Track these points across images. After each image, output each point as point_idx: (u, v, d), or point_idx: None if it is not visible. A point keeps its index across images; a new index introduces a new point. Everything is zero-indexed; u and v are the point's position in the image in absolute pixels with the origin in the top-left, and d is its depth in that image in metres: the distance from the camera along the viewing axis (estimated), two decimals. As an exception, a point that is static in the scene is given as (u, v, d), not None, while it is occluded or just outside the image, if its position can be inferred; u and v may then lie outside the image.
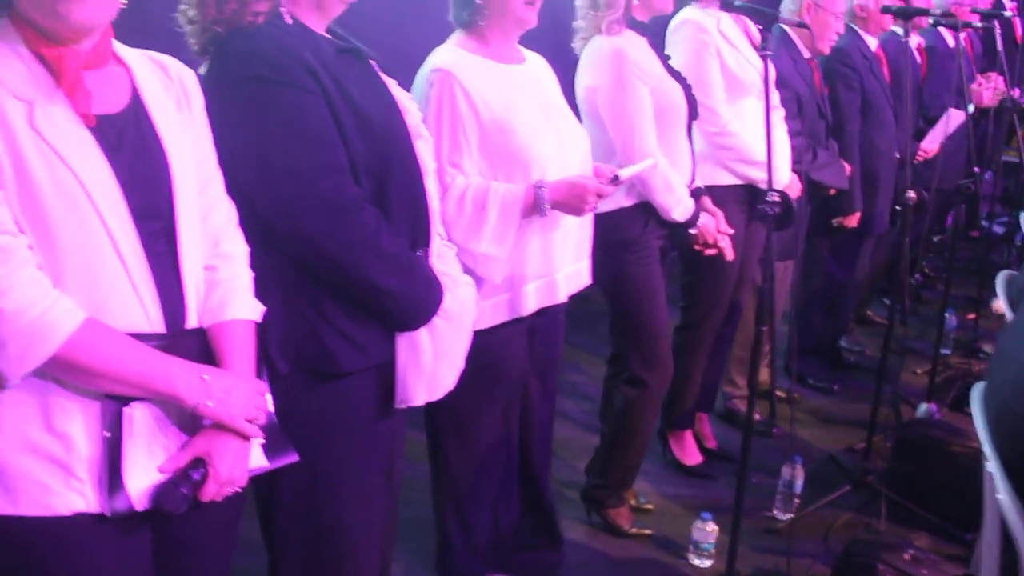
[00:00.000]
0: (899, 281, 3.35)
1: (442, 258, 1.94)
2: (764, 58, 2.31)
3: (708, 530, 2.98)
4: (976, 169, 3.61)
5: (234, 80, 1.67)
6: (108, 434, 1.39)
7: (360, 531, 1.97)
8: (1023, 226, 4.43)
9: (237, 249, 1.63)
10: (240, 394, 1.51)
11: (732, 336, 3.59)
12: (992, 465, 1.70)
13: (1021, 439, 1.66)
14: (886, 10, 3.41)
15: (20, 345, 1.28)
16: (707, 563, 2.99)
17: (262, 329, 1.66)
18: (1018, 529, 1.61)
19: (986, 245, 5.04)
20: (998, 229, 5.75)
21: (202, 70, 1.74)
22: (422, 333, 1.85)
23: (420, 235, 1.87)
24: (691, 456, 3.55)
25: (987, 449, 1.71)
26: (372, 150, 1.75)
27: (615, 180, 2.31)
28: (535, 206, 2.24)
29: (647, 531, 3.15)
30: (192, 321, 1.50)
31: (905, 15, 3.32)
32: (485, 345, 2.38)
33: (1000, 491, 1.66)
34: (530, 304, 2.39)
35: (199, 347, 1.52)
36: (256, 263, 1.70)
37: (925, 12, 3.41)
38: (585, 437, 3.76)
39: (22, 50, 1.35)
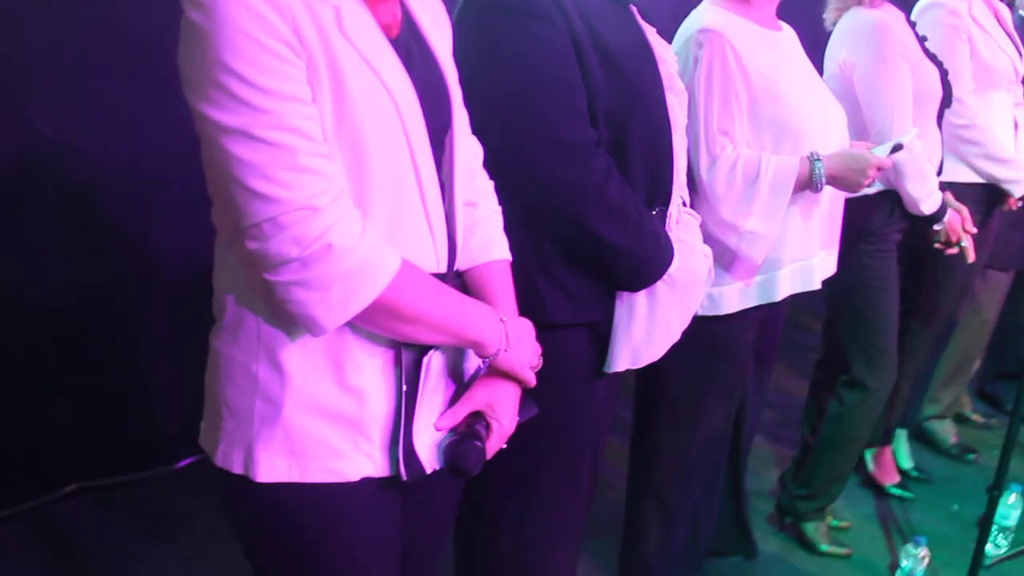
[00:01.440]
0: None
1: (683, 225, 1.80)
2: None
3: (920, 556, 2.74)
4: None
5: (480, 7, 1.57)
6: (407, 387, 1.24)
7: (567, 491, 1.85)
8: None
9: (489, 185, 1.49)
10: (528, 339, 1.38)
11: (942, 350, 3.34)
12: None
13: None
14: None
15: (346, 288, 1.11)
16: (914, 590, 2.76)
17: None
18: None
19: None
20: None
21: None
22: (640, 296, 1.70)
23: (660, 192, 1.72)
24: (888, 475, 3.31)
25: None
26: (616, 95, 1.61)
27: (896, 148, 2.11)
28: (809, 180, 2.06)
29: (844, 550, 2.93)
30: (459, 261, 1.37)
31: None
32: (723, 331, 2.23)
33: None
34: (784, 289, 2.21)
35: (463, 290, 1.38)
36: None
37: None
38: (769, 445, 3.56)
39: None
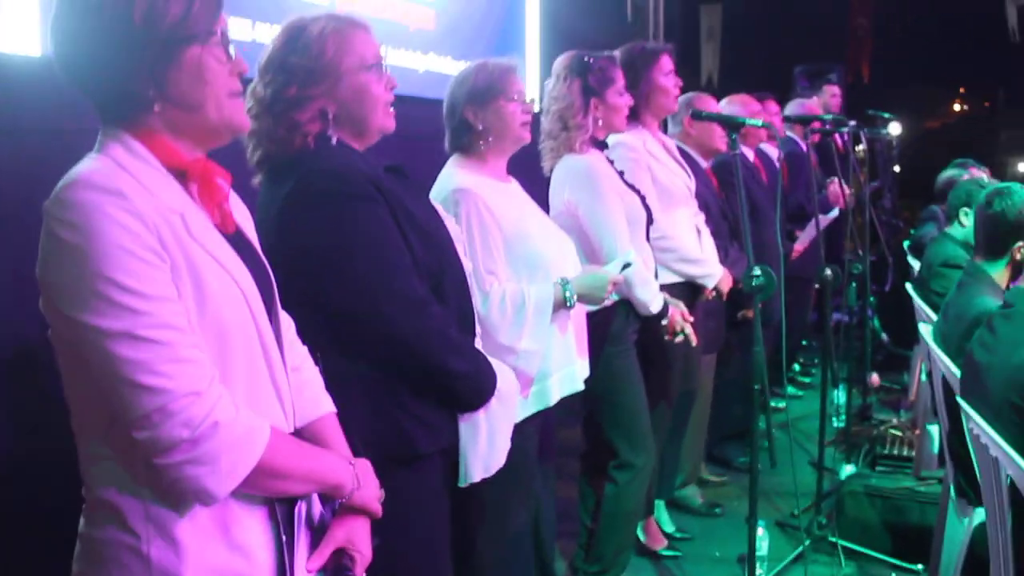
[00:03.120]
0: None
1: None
2: (734, 157, 2.69)
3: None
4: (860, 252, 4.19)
5: (314, 196, 1.89)
6: (285, 537, 1.41)
7: None
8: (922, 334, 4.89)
9: (304, 349, 1.71)
10: (371, 476, 1.61)
11: (686, 424, 3.92)
12: (997, 451, 2.08)
13: (1014, 416, 2.08)
14: (788, 119, 3.99)
15: (233, 458, 1.27)
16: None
17: (344, 424, 1.78)
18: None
19: (843, 332, 5.64)
20: (841, 317, 6.34)
21: (255, 181, 1.99)
22: (480, 414, 2.07)
23: (468, 326, 2.11)
24: (657, 541, 3.80)
25: (996, 438, 2.09)
26: (428, 252, 2.00)
27: (626, 266, 2.62)
28: (563, 301, 2.51)
29: (640, 613, 3.35)
30: (296, 420, 1.55)
31: (803, 121, 3.90)
32: (514, 441, 2.59)
33: (1010, 468, 2.04)
34: (555, 394, 2.62)
35: None
36: (334, 366, 1.82)
37: (818, 118, 3.99)
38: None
39: (154, 163, 1.34)
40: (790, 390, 5.62)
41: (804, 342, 6.44)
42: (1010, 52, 16.07)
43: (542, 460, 2.87)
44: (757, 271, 2.64)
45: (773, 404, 5.65)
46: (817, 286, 3.91)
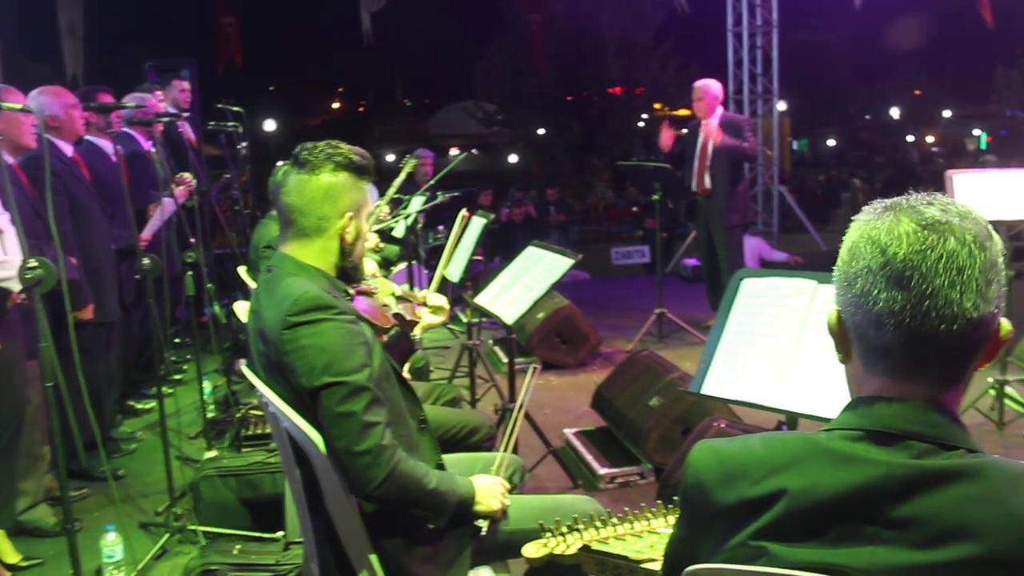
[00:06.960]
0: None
1: None
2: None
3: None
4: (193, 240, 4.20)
5: None
6: None
7: None
8: (237, 312, 5.10)
9: None
10: None
11: (17, 442, 3.62)
12: (274, 407, 2.18)
13: (280, 374, 2.19)
14: (88, 107, 3.79)
15: None
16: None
17: None
18: (304, 440, 2.12)
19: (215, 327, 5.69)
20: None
21: None
22: None
23: None
24: (-1, 574, 3.46)
25: (270, 396, 2.19)
26: None
27: None
28: None
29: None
30: None
31: (104, 110, 3.72)
32: None
33: (285, 421, 2.15)
34: None
35: None
36: None
37: (121, 107, 3.84)
38: None
39: None
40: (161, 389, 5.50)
41: (177, 340, 6.36)
42: (375, 56, 17.57)
43: None
44: (33, 263, 2.49)
45: (141, 405, 5.54)
46: (138, 276, 3.81)
